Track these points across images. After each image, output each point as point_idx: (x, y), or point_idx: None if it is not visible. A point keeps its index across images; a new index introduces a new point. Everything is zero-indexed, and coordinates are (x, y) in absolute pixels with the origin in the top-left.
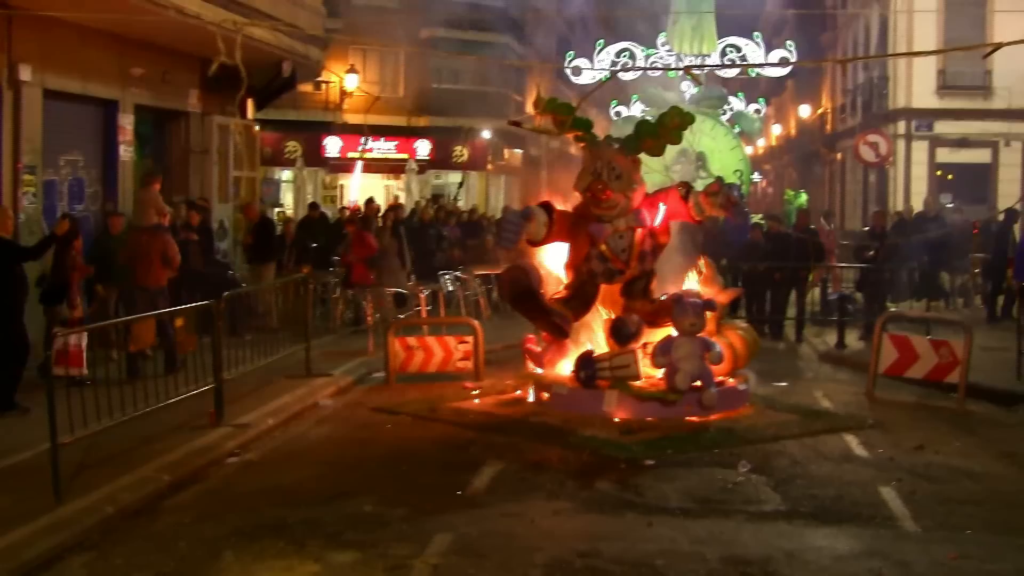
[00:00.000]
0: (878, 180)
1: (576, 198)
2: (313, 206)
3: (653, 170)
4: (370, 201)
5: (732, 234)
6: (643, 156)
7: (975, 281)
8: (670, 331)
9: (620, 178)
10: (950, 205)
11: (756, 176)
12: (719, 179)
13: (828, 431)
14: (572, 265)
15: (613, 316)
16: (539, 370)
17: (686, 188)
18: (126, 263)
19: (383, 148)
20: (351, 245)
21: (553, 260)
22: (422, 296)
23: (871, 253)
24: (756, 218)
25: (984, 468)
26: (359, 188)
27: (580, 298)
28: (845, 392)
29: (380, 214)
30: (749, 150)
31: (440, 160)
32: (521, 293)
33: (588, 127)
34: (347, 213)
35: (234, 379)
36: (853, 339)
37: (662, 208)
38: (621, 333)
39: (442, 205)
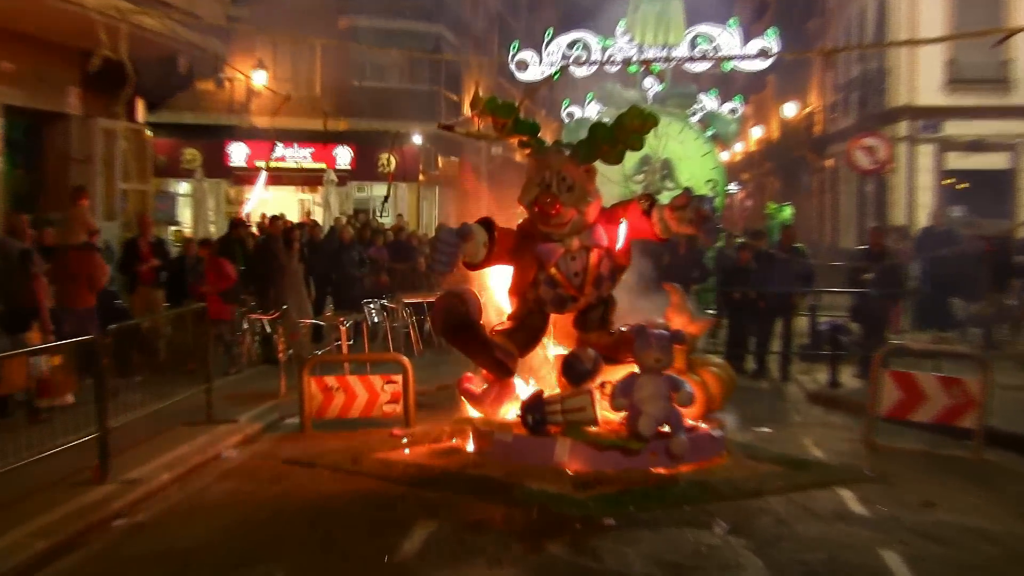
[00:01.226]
0: (876, 190)
1: (521, 214)
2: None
3: (611, 181)
4: (276, 219)
5: (721, 259)
6: (599, 165)
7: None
8: (632, 368)
9: (572, 190)
10: (961, 218)
11: (733, 187)
12: (688, 190)
13: (819, 485)
14: (517, 291)
15: (565, 351)
16: (479, 414)
17: (649, 201)
18: (54, 283)
19: (297, 156)
20: (205, 274)
21: (495, 286)
22: (343, 328)
23: (868, 276)
24: (720, 238)
25: (1004, 528)
26: (266, 202)
27: (526, 330)
28: (839, 439)
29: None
30: (724, 156)
31: (363, 170)
32: (458, 324)
33: (534, 131)
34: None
35: (122, 427)
36: (848, 376)
37: (622, 225)
38: (574, 370)
39: (366, 222)
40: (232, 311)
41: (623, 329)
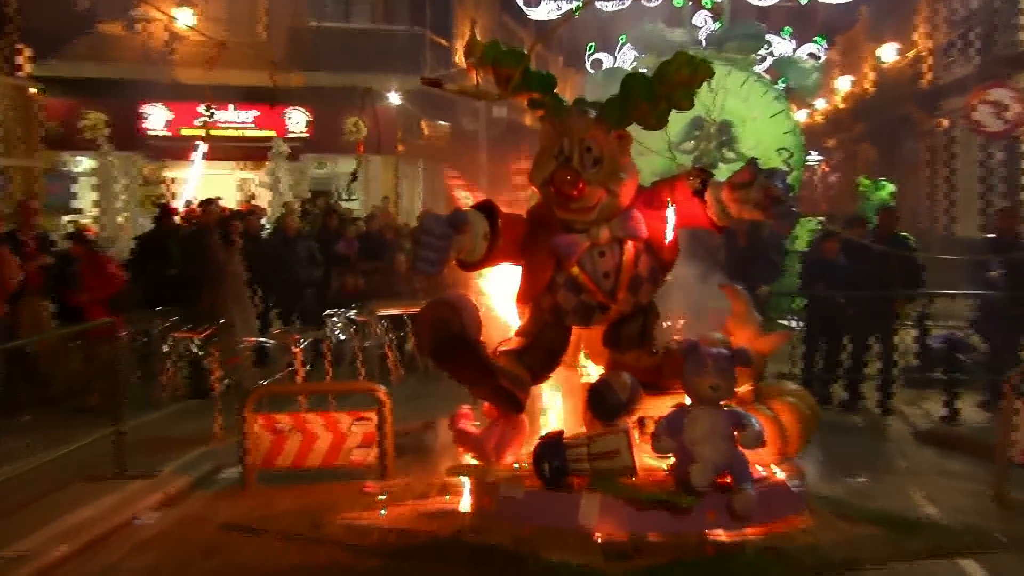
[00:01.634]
0: (1005, 159)
1: (534, 196)
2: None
3: (652, 151)
4: (209, 204)
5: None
6: (635, 130)
7: None
8: (681, 399)
9: (599, 164)
10: None
11: (813, 157)
12: (753, 162)
13: (933, 553)
14: (528, 299)
15: (593, 377)
16: (479, 462)
17: (702, 178)
18: None
19: (236, 122)
20: (81, 276)
21: (499, 291)
22: (297, 350)
23: (996, 273)
24: (810, 224)
25: None
26: (194, 182)
27: (541, 350)
28: (959, 491)
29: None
30: (802, 116)
31: (323, 139)
32: (450, 342)
33: (548, 86)
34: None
35: (4, 483)
36: (970, 408)
37: (668, 210)
38: (605, 403)
39: (329, 209)
40: (121, 325)
41: (669, 347)
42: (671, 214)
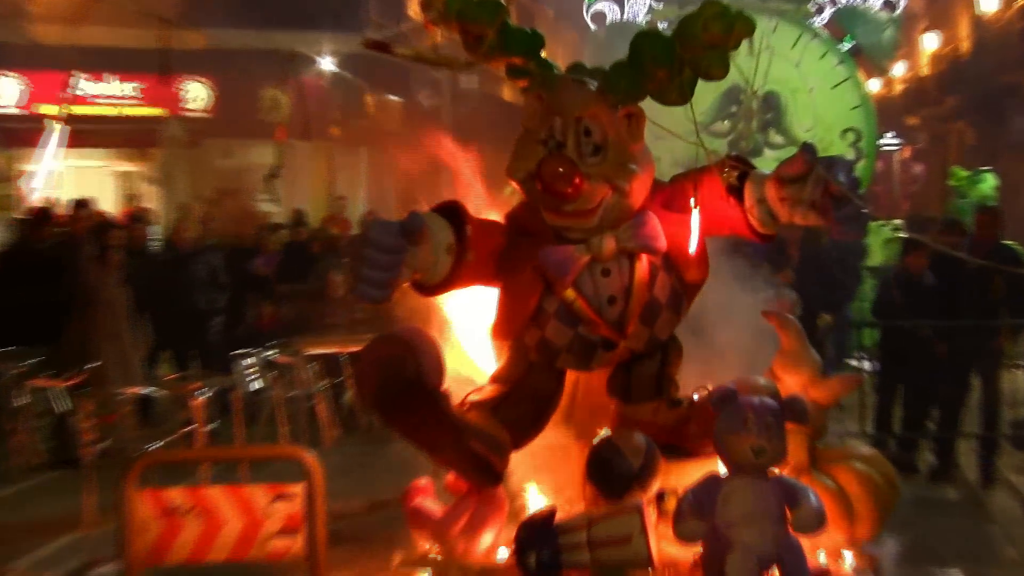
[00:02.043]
0: None
1: (514, 196)
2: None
3: (673, 134)
4: (81, 208)
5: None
6: (650, 106)
7: None
8: (713, 465)
9: (602, 151)
10: None
11: (890, 140)
12: (807, 148)
13: None
14: (508, 333)
15: (596, 436)
16: (442, 552)
17: (739, 170)
18: None
19: (114, 97)
20: None
21: (470, 323)
22: (196, 403)
23: None
24: (886, 231)
25: None
26: (58, 179)
27: (525, 401)
28: None
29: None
30: (875, 87)
31: (232, 120)
32: (403, 392)
33: (533, 47)
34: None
35: None
36: None
37: (693, 213)
38: (612, 472)
39: (246, 210)
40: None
41: (696, 397)
42: (696, 218)
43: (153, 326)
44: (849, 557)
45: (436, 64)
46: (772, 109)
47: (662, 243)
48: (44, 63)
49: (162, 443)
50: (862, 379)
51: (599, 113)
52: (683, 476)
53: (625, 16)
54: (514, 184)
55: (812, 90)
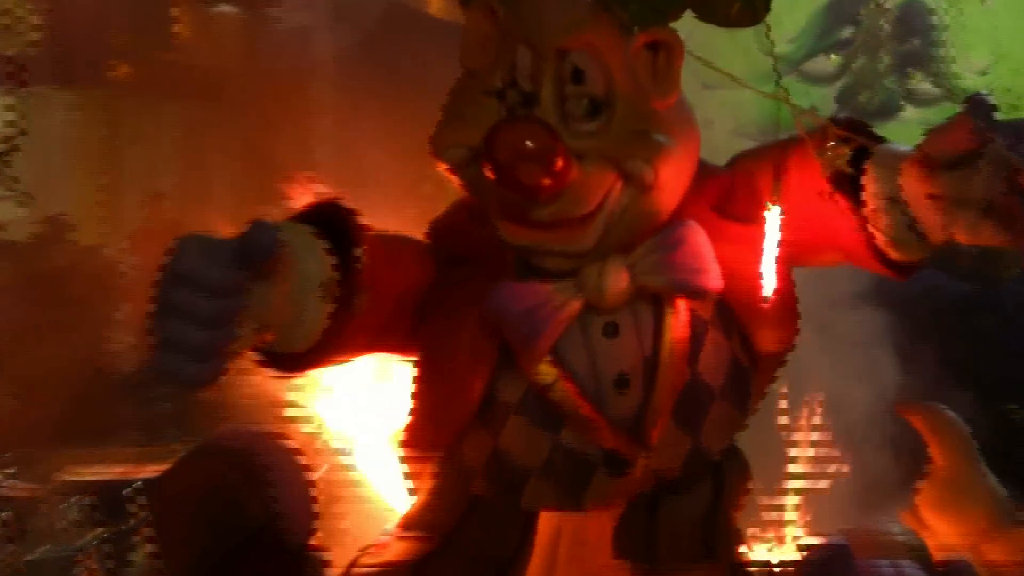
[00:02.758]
0: None
1: (440, 192)
2: None
3: (734, 79)
4: None
5: None
6: (694, 28)
7: None
8: None
9: (606, 112)
10: None
11: None
12: (978, 103)
13: None
14: (435, 442)
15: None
16: None
17: (853, 143)
18: None
19: None
20: None
21: (362, 421)
22: None
23: None
24: None
25: None
26: None
27: (462, 567)
28: None
29: None
30: None
31: None
32: (239, 549)
33: None
34: None
35: None
36: None
37: (770, 220)
38: None
39: None
40: None
41: (776, 559)
42: (779, 232)
43: None
44: None
45: None
46: (916, 32)
47: (714, 279)
48: None
49: None
50: None
51: (599, 41)
52: None
53: None
54: (444, 170)
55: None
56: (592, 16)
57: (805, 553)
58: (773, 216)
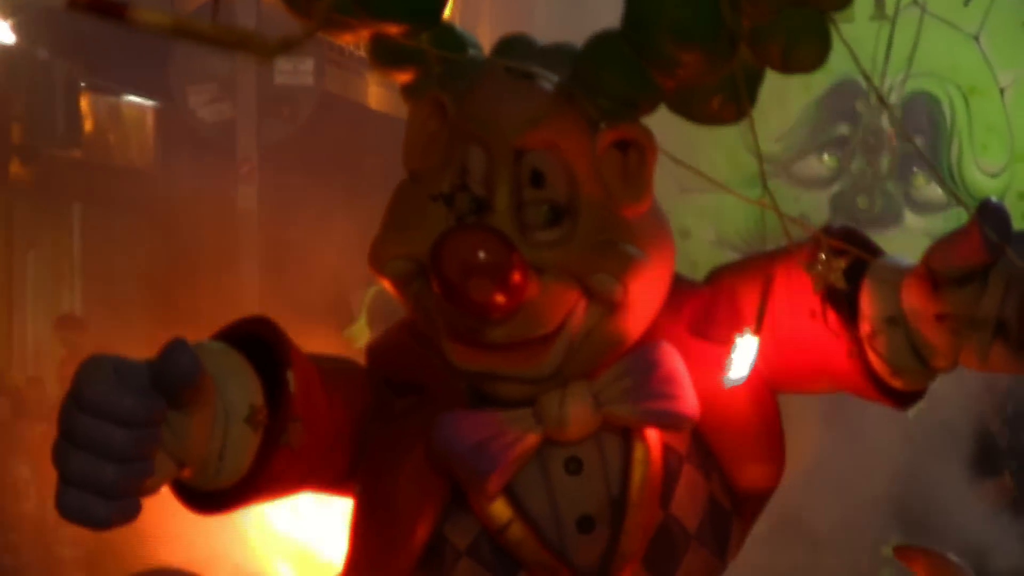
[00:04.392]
0: None
1: (383, 309)
2: None
3: (714, 183)
4: None
5: None
6: (668, 123)
7: None
8: None
9: (568, 219)
10: None
11: None
12: (989, 210)
13: None
14: None
15: None
16: None
17: (848, 255)
18: None
19: None
20: None
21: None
22: None
23: None
24: None
25: None
26: None
27: None
28: None
29: None
30: None
31: None
32: None
33: (427, 9)
34: None
35: None
36: None
37: (746, 343)
38: None
39: None
40: None
41: None
42: (760, 356)
43: None
44: None
45: (223, 44)
46: (921, 129)
47: (690, 407)
48: None
49: None
50: None
51: (561, 139)
52: None
53: None
54: (385, 283)
55: (1004, 89)
56: (554, 110)
57: None
58: (754, 340)
